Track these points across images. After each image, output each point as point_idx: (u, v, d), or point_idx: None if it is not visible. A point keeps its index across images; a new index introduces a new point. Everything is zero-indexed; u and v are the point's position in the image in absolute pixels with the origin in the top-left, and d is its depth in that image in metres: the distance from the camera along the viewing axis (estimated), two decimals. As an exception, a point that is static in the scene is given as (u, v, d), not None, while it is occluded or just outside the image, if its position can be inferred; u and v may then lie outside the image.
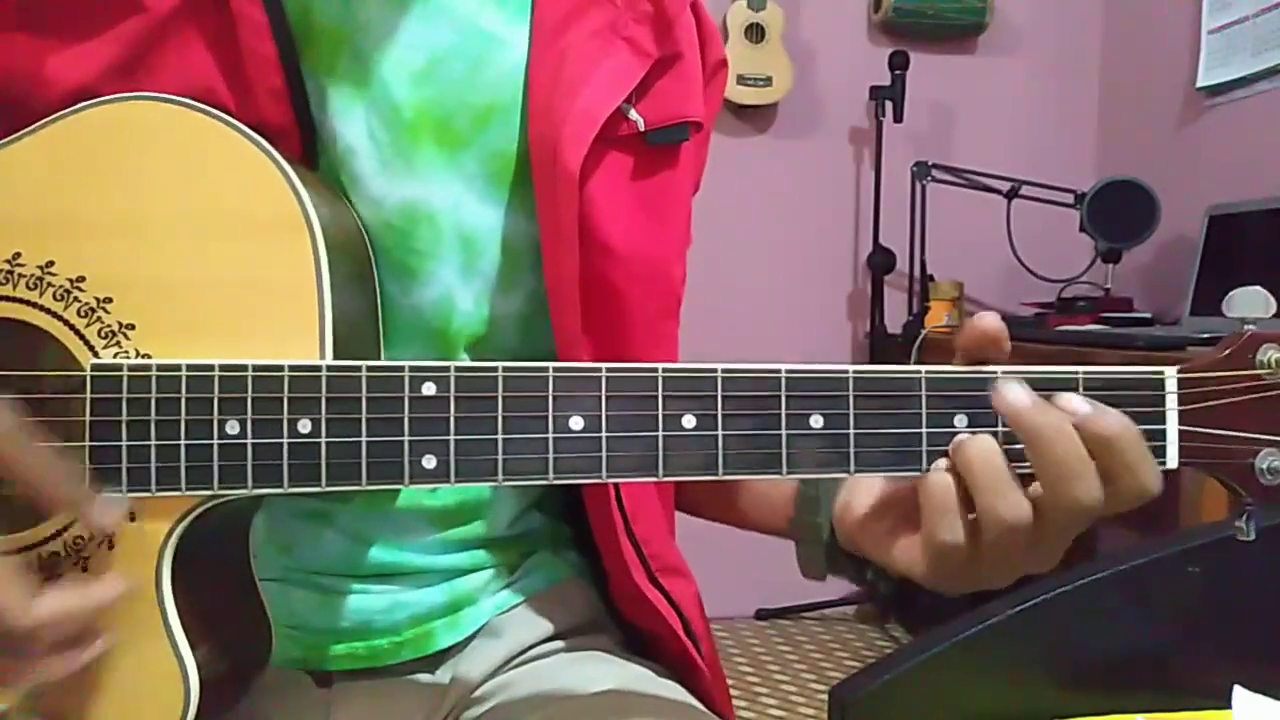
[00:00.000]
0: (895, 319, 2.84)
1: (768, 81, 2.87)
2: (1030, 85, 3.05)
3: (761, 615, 2.89)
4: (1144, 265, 2.72)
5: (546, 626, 0.73)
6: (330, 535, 0.68)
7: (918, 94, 2.82)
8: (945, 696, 0.85)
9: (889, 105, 2.80)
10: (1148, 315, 2.48)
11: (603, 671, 0.70)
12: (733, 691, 0.80)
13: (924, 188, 2.74)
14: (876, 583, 0.64)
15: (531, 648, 0.73)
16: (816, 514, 0.65)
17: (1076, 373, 0.53)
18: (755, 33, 2.86)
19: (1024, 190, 2.70)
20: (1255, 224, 2.22)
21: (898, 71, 2.77)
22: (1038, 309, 2.66)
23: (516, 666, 0.72)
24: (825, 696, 0.87)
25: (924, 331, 2.65)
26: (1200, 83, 2.56)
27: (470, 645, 0.72)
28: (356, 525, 0.68)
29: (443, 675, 0.71)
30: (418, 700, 0.70)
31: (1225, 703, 0.80)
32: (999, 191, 2.73)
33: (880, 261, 2.83)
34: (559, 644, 0.73)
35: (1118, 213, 2.51)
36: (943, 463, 0.53)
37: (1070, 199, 2.60)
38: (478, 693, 0.71)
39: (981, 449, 0.51)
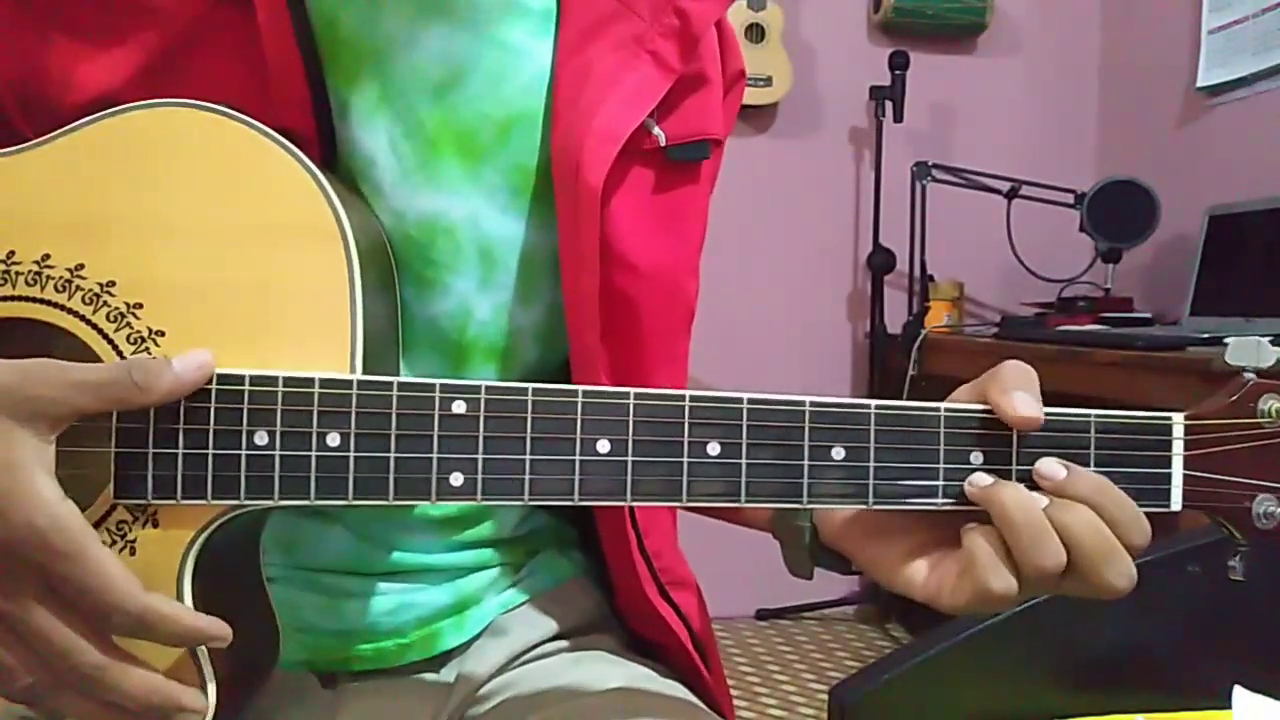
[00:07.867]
0: (895, 319, 2.84)
1: (768, 81, 2.87)
2: (1030, 85, 3.05)
3: (761, 615, 2.90)
4: (1144, 265, 2.72)
5: (551, 626, 0.73)
6: (336, 533, 0.68)
7: (918, 94, 2.82)
8: (945, 696, 0.86)
9: (889, 105, 2.80)
10: (1148, 315, 2.48)
11: (607, 671, 0.70)
12: (733, 691, 0.80)
13: (924, 188, 2.74)
14: (861, 573, 0.65)
15: (536, 647, 0.73)
16: (797, 516, 0.65)
17: (1089, 415, 0.54)
18: (755, 33, 2.86)
19: (1024, 190, 2.70)
20: (1255, 224, 2.22)
21: (898, 71, 2.77)
22: (1038, 309, 2.66)
23: (521, 665, 0.72)
24: (825, 696, 0.88)
25: (924, 332, 2.65)
26: (1200, 83, 2.57)
27: (475, 644, 0.72)
28: (363, 524, 0.68)
29: (447, 674, 0.71)
30: (423, 699, 0.70)
31: (1225, 703, 0.81)
32: (999, 191, 2.73)
33: (880, 261, 2.83)
34: (563, 643, 0.73)
35: (1118, 213, 2.51)
36: (972, 525, 0.54)
37: (1070, 199, 2.60)
38: (482, 691, 0.71)
39: (1020, 502, 0.52)
